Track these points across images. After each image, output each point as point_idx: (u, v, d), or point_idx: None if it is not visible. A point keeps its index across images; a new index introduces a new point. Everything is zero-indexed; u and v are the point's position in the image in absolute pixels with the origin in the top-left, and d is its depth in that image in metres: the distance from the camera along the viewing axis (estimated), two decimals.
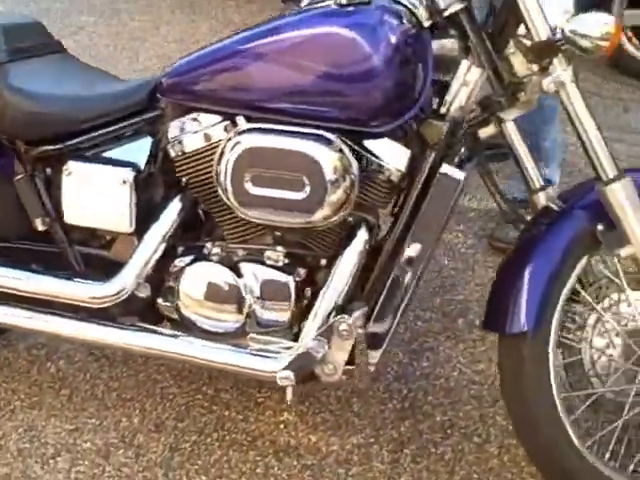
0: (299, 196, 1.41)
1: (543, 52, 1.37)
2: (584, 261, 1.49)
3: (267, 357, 1.50)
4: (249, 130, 1.44)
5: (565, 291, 1.48)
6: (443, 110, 1.46)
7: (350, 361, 1.55)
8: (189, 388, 1.89)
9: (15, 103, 1.58)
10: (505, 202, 1.63)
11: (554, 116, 2.42)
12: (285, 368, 1.43)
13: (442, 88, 1.48)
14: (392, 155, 1.47)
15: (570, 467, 1.49)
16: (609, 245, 1.45)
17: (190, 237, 1.66)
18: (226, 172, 1.44)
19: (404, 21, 1.40)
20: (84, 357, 1.98)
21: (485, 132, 1.49)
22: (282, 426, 1.80)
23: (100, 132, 1.61)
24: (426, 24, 1.42)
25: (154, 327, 1.61)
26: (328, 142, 1.40)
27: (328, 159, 1.40)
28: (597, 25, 1.30)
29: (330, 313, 1.48)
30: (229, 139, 1.44)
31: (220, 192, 1.47)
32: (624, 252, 1.44)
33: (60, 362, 1.97)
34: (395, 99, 1.40)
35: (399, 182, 1.48)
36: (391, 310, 1.52)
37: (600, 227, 1.45)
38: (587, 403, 1.54)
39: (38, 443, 1.74)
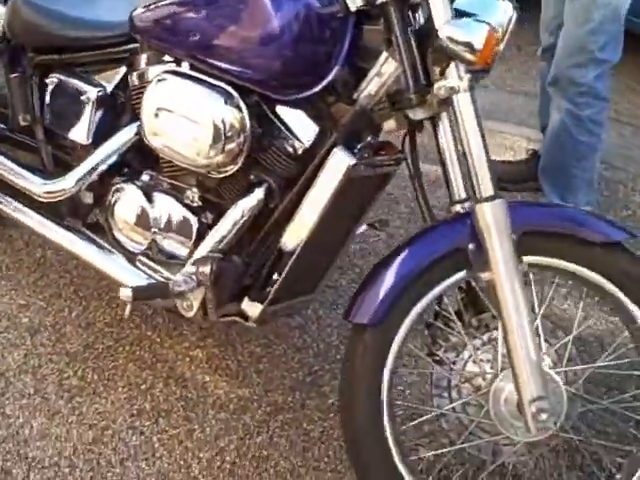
0: (193, 139, 1.53)
1: (439, 54, 1.37)
2: (458, 276, 1.47)
3: (132, 272, 1.68)
4: (173, 72, 1.58)
5: (425, 300, 1.46)
6: (355, 96, 1.51)
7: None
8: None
9: (25, 13, 1.84)
10: (427, 209, 1.63)
11: (590, 154, 2.30)
12: (132, 287, 1.57)
13: (363, 75, 1.52)
14: (300, 128, 1.54)
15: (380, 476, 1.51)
16: (475, 267, 1.43)
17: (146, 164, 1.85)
18: (145, 104, 1.60)
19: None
20: None
21: (388, 125, 1.51)
22: (188, 359, 1.95)
23: (88, 53, 1.83)
24: (352, 8, 1.46)
25: (73, 227, 1.83)
26: (229, 96, 1.50)
27: (223, 112, 1.49)
28: (469, 32, 1.28)
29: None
30: (157, 78, 1.60)
31: (140, 123, 1.64)
32: (485, 277, 1.41)
33: (48, 252, 2.26)
34: (297, 70, 1.47)
35: (302, 154, 1.55)
36: (274, 274, 1.62)
37: (471, 246, 1.42)
38: (422, 419, 1.54)
39: None
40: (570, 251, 1.45)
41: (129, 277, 1.69)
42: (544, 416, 1.38)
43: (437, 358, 1.56)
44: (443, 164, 1.53)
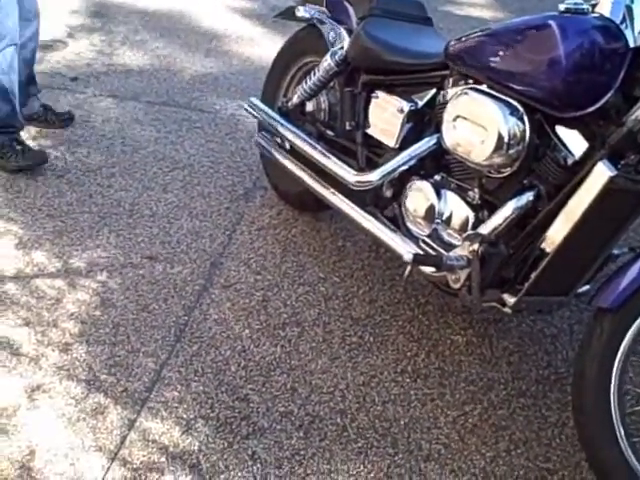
0: (481, 142, 1.97)
1: None
2: None
3: (414, 249, 2.14)
4: (474, 89, 2.05)
5: None
6: (624, 119, 1.86)
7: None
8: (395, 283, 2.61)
9: (365, 42, 2.43)
10: None
11: None
12: (414, 253, 2.03)
13: (633, 102, 1.87)
14: (573, 143, 1.92)
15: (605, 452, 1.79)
16: None
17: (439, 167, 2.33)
18: (447, 112, 2.09)
19: (607, 35, 1.82)
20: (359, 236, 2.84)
21: None
22: (449, 341, 2.40)
23: (408, 76, 2.38)
24: (631, 45, 1.83)
25: (367, 209, 2.37)
26: (516, 111, 1.93)
27: (509, 123, 1.92)
28: None
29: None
30: (459, 92, 2.08)
31: (440, 132, 2.13)
32: None
33: (348, 243, 2.84)
34: (575, 93, 1.84)
35: (571, 166, 1.92)
36: (532, 269, 2.00)
37: None
38: None
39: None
40: None
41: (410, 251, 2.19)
42: None
43: None
44: None
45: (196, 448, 2.01)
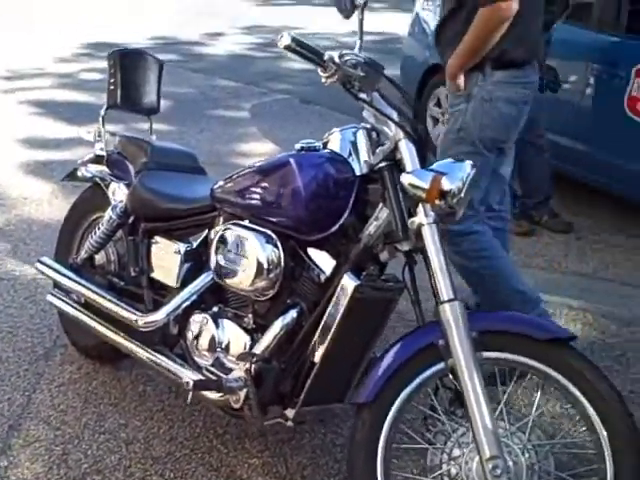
0: (243, 271, 2.26)
1: (412, 199, 2.07)
2: (438, 367, 2.02)
3: (191, 370, 2.37)
4: (235, 224, 2.35)
5: (413, 384, 2.03)
6: (360, 236, 2.21)
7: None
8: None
9: (144, 195, 2.72)
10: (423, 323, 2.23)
11: None
12: (194, 380, 2.25)
13: (365, 220, 2.23)
14: (322, 262, 2.23)
15: None
16: (444, 357, 2.01)
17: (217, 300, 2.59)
18: (214, 247, 2.37)
19: (337, 167, 2.19)
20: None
21: (383, 256, 2.19)
22: (247, 465, 2.54)
23: (183, 220, 2.67)
24: (358, 173, 2.21)
25: (157, 349, 2.57)
26: (270, 239, 2.24)
27: (266, 250, 2.23)
28: (420, 178, 1.98)
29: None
30: (224, 228, 2.38)
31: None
32: (450, 362, 1.99)
33: (148, 387, 2.98)
34: (317, 218, 2.18)
35: (324, 282, 2.23)
36: (305, 381, 2.25)
37: (441, 341, 2.01)
38: None
39: None
40: (522, 347, 2.01)
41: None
42: (498, 471, 1.88)
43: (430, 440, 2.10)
44: (430, 284, 2.16)
45: None
